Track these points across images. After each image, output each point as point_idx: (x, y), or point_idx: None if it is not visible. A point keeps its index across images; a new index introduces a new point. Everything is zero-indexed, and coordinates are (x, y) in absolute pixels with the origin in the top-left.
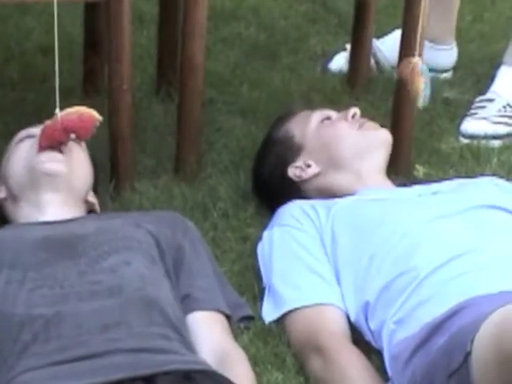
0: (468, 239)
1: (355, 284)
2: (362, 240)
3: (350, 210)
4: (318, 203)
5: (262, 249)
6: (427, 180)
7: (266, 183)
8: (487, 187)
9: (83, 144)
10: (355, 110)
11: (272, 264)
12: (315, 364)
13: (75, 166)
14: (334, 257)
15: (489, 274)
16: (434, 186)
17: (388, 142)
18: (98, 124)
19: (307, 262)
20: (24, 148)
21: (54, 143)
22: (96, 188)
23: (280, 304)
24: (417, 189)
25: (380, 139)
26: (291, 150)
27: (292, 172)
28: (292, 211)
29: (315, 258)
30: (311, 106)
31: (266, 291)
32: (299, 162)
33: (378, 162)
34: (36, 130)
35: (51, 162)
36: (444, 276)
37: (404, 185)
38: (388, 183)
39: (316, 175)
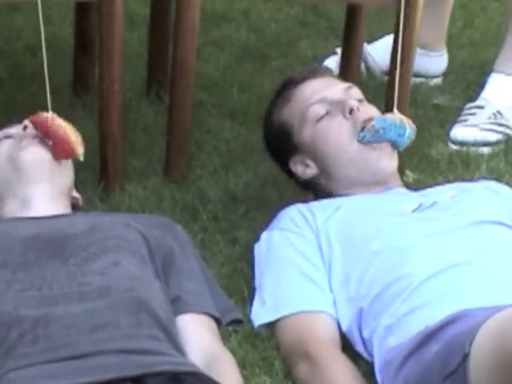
0: (463, 252)
1: (348, 293)
2: (355, 252)
3: (346, 222)
4: (317, 206)
5: (258, 249)
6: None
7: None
8: (483, 197)
9: None
10: (351, 105)
11: (267, 267)
12: (303, 370)
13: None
14: (329, 262)
15: (482, 285)
16: (431, 196)
17: (388, 173)
18: (75, 157)
19: (302, 267)
20: (3, 148)
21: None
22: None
23: (271, 309)
24: (413, 198)
25: (380, 173)
26: (291, 145)
27: (293, 167)
28: (291, 215)
29: (311, 264)
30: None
31: (257, 293)
32: (299, 159)
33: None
34: (13, 131)
35: (34, 147)
36: (437, 284)
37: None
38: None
39: (314, 176)
